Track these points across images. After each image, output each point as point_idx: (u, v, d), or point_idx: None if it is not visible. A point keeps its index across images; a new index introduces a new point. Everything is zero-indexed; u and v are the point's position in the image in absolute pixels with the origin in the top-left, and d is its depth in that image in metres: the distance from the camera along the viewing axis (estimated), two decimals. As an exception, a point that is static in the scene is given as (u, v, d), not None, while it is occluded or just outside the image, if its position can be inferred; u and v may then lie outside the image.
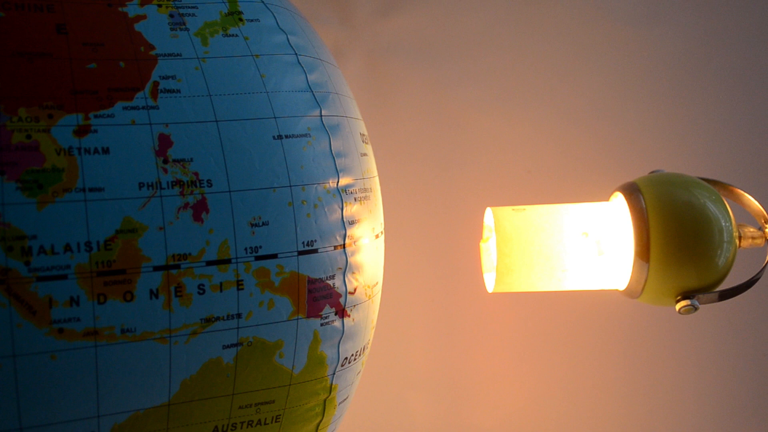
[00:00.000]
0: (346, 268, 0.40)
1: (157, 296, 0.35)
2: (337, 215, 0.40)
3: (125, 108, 0.36)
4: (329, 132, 0.41)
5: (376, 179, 0.46)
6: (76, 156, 0.34)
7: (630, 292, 0.49)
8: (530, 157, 0.78)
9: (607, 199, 0.52)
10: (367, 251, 0.42)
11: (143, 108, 0.36)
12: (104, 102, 0.35)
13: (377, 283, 0.44)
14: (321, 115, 0.41)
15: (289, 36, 0.42)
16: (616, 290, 0.51)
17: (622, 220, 0.49)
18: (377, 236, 0.44)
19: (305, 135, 0.40)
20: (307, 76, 0.41)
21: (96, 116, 0.35)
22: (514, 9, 0.82)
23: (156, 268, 0.34)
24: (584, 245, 0.49)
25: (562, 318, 0.85)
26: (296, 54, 0.42)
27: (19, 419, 0.33)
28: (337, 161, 0.41)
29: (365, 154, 0.45)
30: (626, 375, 0.87)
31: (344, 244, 0.40)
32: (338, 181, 0.40)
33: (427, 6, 0.83)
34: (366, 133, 0.47)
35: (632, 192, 0.49)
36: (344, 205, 0.40)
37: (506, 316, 0.85)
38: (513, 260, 0.48)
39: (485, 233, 0.53)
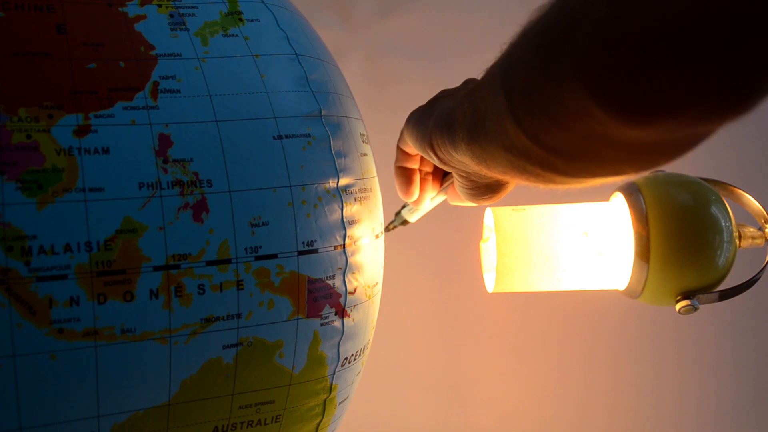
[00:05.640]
0: (346, 269, 0.40)
1: (157, 296, 0.34)
2: (337, 215, 0.40)
3: (125, 108, 0.36)
4: (329, 132, 0.41)
5: (376, 179, 0.46)
6: (76, 156, 0.34)
7: (630, 292, 0.49)
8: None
9: (607, 199, 0.52)
10: (367, 251, 0.42)
11: (143, 108, 0.36)
12: (104, 102, 0.35)
13: (377, 283, 0.44)
14: (321, 115, 0.41)
15: (289, 36, 0.42)
16: (616, 290, 0.51)
17: (622, 220, 0.49)
18: (377, 236, 0.44)
19: (305, 135, 0.40)
20: (307, 76, 0.41)
21: (96, 116, 0.35)
22: (514, 9, 0.82)
23: (156, 268, 0.34)
24: (584, 245, 0.49)
25: (562, 318, 0.85)
26: (296, 54, 0.42)
27: (19, 419, 0.33)
28: (337, 161, 0.41)
29: (365, 154, 0.45)
30: (626, 375, 0.87)
31: (344, 244, 0.40)
32: (338, 181, 0.40)
33: (427, 6, 0.83)
34: (366, 133, 0.47)
35: (632, 192, 0.48)
36: (344, 205, 0.40)
37: (506, 316, 0.85)
38: (513, 260, 0.48)
39: (485, 233, 0.53)
